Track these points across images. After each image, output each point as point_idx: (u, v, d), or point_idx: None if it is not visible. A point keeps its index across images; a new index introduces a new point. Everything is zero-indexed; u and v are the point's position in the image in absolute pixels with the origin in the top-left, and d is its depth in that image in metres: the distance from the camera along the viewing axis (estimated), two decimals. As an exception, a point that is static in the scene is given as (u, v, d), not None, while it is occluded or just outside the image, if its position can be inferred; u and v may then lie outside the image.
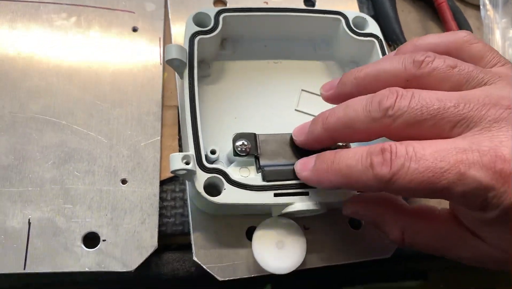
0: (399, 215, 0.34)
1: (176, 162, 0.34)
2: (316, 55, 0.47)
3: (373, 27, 0.44)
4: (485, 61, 0.33)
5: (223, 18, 0.41)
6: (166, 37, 0.45)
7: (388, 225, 0.34)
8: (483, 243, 0.30)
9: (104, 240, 0.37)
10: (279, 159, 0.39)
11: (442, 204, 0.34)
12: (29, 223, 0.37)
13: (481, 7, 0.54)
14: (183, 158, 0.34)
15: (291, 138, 0.40)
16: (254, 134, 0.39)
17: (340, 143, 0.40)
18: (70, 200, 0.38)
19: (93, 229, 0.37)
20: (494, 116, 0.27)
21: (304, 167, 0.36)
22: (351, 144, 0.40)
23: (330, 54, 0.47)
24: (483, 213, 0.27)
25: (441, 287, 0.65)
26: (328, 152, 0.34)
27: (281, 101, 0.44)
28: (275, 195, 0.37)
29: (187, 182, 0.42)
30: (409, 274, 0.56)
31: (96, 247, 0.37)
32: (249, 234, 0.40)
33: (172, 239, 0.40)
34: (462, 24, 0.54)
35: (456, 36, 0.34)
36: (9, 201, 0.37)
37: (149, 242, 0.38)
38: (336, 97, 0.37)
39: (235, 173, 0.39)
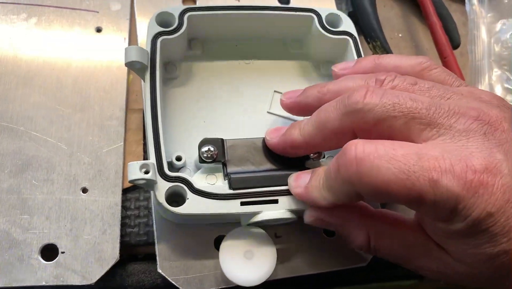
0: (365, 218, 0.33)
1: (134, 171, 0.32)
2: (289, 55, 0.45)
3: (347, 24, 0.42)
4: (446, 84, 0.33)
5: (188, 17, 0.39)
6: (132, 38, 0.43)
7: (354, 230, 0.33)
8: (448, 256, 0.29)
9: (63, 252, 0.36)
10: (248, 165, 0.37)
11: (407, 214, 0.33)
12: (-17, 236, 0.35)
13: (466, 1, 0.52)
14: (142, 166, 0.32)
15: (261, 143, 0.38)
16: (222, 139, 0.38)
17: (311, 155, 0.38)
18: (27, 210, 0.36)
19: (52, 241, 0.36)
20: (464, 126, 0.27)
21: (296, 183, 0.34)
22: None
23: (304, 54, 0.45)
24: (450, 224, 0.26)
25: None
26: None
27: (253, 104, 0.43)
28: (242, 203, 0.35)
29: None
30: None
31: (55, 260, 0.35)
32: (218, 244, 0.38)
33: (137, 249, 0.39)
34: (446, 19, 0.52)
35: (416, 61, 0.34)
36: (-38, 213, 0.35)
37: (111, 253, 0.36)
38: (296, 106, 0.37)
39: (201, 180, 0.37)
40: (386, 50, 0.46)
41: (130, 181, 0.32)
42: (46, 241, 0.36)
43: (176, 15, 0.39)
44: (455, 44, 0.52)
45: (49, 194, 0.37)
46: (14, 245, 0.35)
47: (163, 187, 0.34)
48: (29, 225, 0.36)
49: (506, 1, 0.51)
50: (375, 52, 0.47)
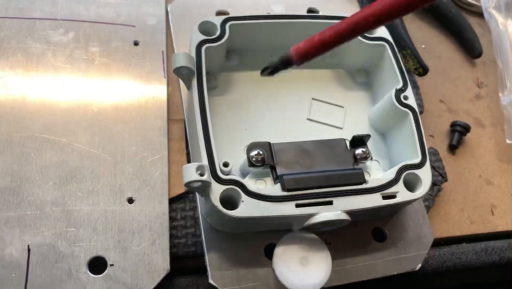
0: None
1: (190, 173, 0.31)
2: (323, 64, 0.45)
3: (382, 31, 0.43)
4: None
5: (230, 26, 0.39)
6: (169, 51, 0.43)
7: None
8: None
9: (111, 265, 0.34)
10: (296, 168, 0.37)
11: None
12: (29, 250, 0.33)
13: (484, 13, 0.54)
14: (197, 168, 0.32)
15: (308, 146, 0.38)
16: (269, 143, 0.37)
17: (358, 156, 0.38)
18: (73, 223, 0.35)
19: (99, 253, 0.34)
20: None
21: None
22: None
23: (337, 63, 0.45)
24: None
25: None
26: None
27: (292, 111, 0.42)
28: (297, 205, 0.34)
29: (198, 198, 0.39)
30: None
31: (104, 273, 0.34)
32: (268, 252, 0.37)
33: (185, 262, 0.37)
34: (467, 30, 0.53)
35: None
36: (7, 227, 0.34)
37: (161, 264, 0.35)
38: None
39: (251, 185, 0.36)
40: (416, 57, 0.47)
41: (186, 184, 0.31)
42: (94, 254, 0.34)
43: (218, 24, 0.39)
44: (477, 54, 0.53)
45: (94, 205, 0.36)
46: (61, 258, 0.33)
47: (217, 190, 0.33)
48: (75, 237, 0.34)
49: (522, 10, 0.53)
50: (405, 61, 0.48)
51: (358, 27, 0.25)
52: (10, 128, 0.37)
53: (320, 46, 0.27)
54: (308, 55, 0.28)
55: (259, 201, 0.33)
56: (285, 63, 0.30)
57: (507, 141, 0.48)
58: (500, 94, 0.50)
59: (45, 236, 0.34)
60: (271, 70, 0.31)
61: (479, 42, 0.53)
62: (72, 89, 0.39)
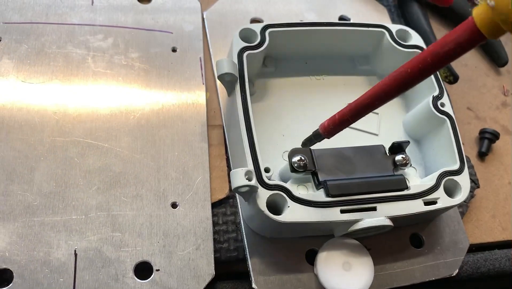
0: None
1: (239, 178, 0.32)
2: (357, 71, 0.46)
3: (416, 39, 0.43)
4: None
5: (269, 33, 0.40)
6: (206, 57, 0.44)
7: None
8: None
9: (157, 270, 0.34)
10: (338, 174, 0.37)
11: None
12: (75, 254, 0.33)
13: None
14: (246, 173, 0.32)
15: (348, 152, 0.38)
16: (310, 149, 0.37)
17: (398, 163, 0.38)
18: (118, 228, 0.35)
19: (145, 258, 0.34)
20: None
21: None
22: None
23: (370, 70, 0.46)
24: None
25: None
26: None
27: (327, 117, 0.43)
28: (342, 211, 0.34)
29: (239, 203, 0.39)
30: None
31: (150, 278, 0.34)
32: (309, 257, 0.38)
33: (227, 266, 0.37)
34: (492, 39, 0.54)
35: None
36: (53, 231, 0.34)
37: (206, 269, 0.35)
38: None
39: (293, 191, 0.36)
40: (447, 66, 0.48)
41: (234, 189, 0.32)
42: (140, 259, 0.34)
43: (258, 31, 0.39)
44: (503, 62, 0.54)
45: (139, 210, 0.36)
46: (107, 263, 0.33)
47: (263, 195, 0.33)
48: (121, 242, 0.34)
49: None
50: (435, 68, 0.48)
51: (370, 105, 0.30)
52: (53, 133, 0.37)
53: (339, 123, 0.32)
54: (332, 131, 0.33)
55: (305, 206, 0.34)
56: (317, 137, 0.35)
57: (535, 148, 0.48)
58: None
59: (91, 241, 0.34)
60: (309, 143, 0.36)
61: (505, 50, 0.53)
62: (112, 95, 0.40)
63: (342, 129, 0.32)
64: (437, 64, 0.25)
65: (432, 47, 0.25)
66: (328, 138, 0.34)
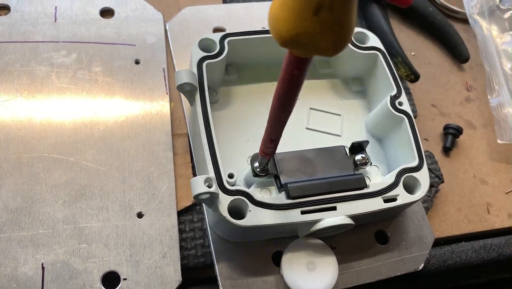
0: None
1: (198, 186, 0.32)
2: (318, 74, 0.47)
3: (374, 40, 0.44)
4: None
5: (228, 42, 0.41)
6: (169, 68, 0.45)
7: None
8: None
9: (125, 279, 0.35)
10: (299, 176, 0.38)
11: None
12: (43, 268, 0.34)
13: (469, 19, 0.56)
14: (205, 180, 0.33)
15: (310, 154, 0.39)
16: (271, 153, 0.38)
17: (358, 162, 0.39)
18: (85, 239, 0.36)
19: (112, 268, 0.35)
20: None
21: None
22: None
23: (332, 73, 0.47)
24: None
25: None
26: None
27: (291, 121, 0.42)
28: (303, 212, 0.35)
29: (205, 210, 0.40)
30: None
31: (117, 287, 0.34)
32: (276, 259, 0.38)
33: (195, 273, 0.38)
34: (453, 36, 0.55)
35: None
36: (20, 246, 0.34)
37: (173, 276, 0.36)
38: None
39: (256, 194, 0.37)
40: (407, 65, 0.49)
41: (195, 196, 0.32)
42: (107, 269, 0.35)
43: (217, 40, 0.40)
44: (464, 58, 0.55)
45: (105, 221, 0.36)
46: (75, 275, 0.34)
47: (225, 201, 0.34)
48: (88, 253, 0.35)
49: (505, 16, 0.55)
50: (396, 68, 0.49)
51: (277, 118, 0.30)
52: (18, 149, 0.38)
53: (267, 140, 0.32)
54: (266, 152, 0.33)
55: (266, 209, 0.34)
56: (262, 160, 0.36)
57: (498, 141, 0.49)
58: (489, 97, 0.52)
59: (58, 254, 0.35)
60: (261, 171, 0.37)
61: (466, 47, 0.55)
62: (77, 109, 0.40)
63: (272, 146, 0.33)
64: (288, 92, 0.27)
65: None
66: (269, 158, 0.35)
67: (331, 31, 0.20)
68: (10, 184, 0.36)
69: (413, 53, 0.55)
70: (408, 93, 0.51)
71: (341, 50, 0.21)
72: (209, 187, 0.33)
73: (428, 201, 0.45)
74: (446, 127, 0.50)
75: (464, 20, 0.58)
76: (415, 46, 0.56)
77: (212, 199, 0.34)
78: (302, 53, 0.22)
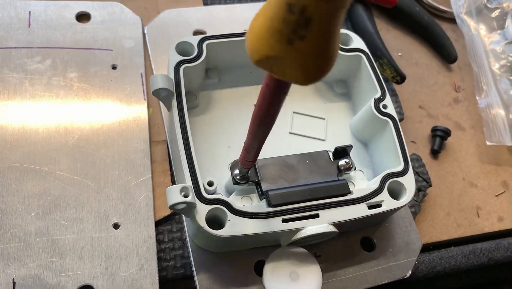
0: None
1: (174, 195, 0.31)
2: (303, 77, 0.45)
3: (357, 42, 0.43)
4: None
5: (207, 45, 0.39)
6: (148, 73, 0.43)
7: None
8: None
9: (100, 293, 0.33)
10: (281, 182, 0.37)
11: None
12: (14, 283, 0.33)
13: (456, 19, 0.55)
14: (181, 190, 0.31)
15: (292, 160, 0.38)
16: (252, 159, 0.37)
17: (342, 168, 0.38)
18: (59, 252, 0.34)
19: (87, 282, 0.34)
20: None
21: None
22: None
23: (317, 75, 0.46)
24: None
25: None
26: None
27: (274, 125, 0.42)
28: (284, 220, 0.34)
29: (185, 219, 0.39)
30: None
31: (92, 302, 0.33)
32: (258, 269, 0.37)
33: (174, 284, 0.37)
34: (441, 36, 0.54)
35: None
36: (-11, 261, 0.33)
37: (150, 289, 0.34)
38: None
39: (236, 203, 0.36)
40: (393, 66, 0.48)
41: (170, 206, 0.31)
42: (81, 283, 0.34)
43: (195, 44, 0.39)
44: (452, 59, 0.54)
45: (79, 233, 0.35)
46: (47, 290, 0.33)
47: (203, 210, 0.33)
48: (61, 267, 0.34)
49: (493, 15, 0.55)
50: (382, 70, 0.48)
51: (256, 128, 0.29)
52: (-11, 160, 0.36)
53: (245, 150, 0.31)
54: (245, 162, 0.32)
55: (246, 218, 0.33)
56: (242, 170, 0.35)
57: (487, 143, 0.48)
58: (477, 98, 0.51)
59: (30, 268, 0.33)
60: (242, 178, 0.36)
61: (454, 47, 0.54)
62: (51, 117, 0.39)
63: (251, 156, 0.32)
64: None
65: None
66: (248, 168, 0.34)
67: (305, 61, 0.19)
68: (-20, 196, 0.35)
69: (400, 54, 0.54)
70: (395, 95, 0.50)
71: (315, 81, 0.20)
72: (186, 196, 0.31)
73: (416, 206, 0.44)
74: (434, 129, 0.49)
75: (452, 20, 0.57)
76: (402, 46, 0.55)
77: (189, 209, 0.33)
78: (274, 75, 0.21)
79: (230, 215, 0.33)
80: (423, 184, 0.45)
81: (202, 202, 0.33)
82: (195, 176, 0.34)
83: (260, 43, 0.19)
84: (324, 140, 0.43)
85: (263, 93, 0.24)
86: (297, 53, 0.18)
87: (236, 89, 0.44)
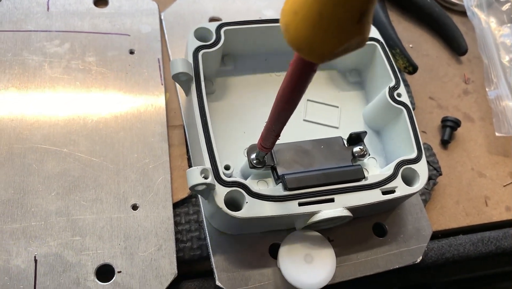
0: None
1: (194, 176, 0.32)
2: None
3: (372, 32, 0.44)
4: None
5: (224, 31, 0.40)
6: (164, 58, 0.44)
7: None
8: None
9: (119, 272, 0.34)
10: (297, 167, 0.37)
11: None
12: (35, 261, 0.33)
13: (467, 11, 0.55)
14: (202, 171, 0.32)
15: (307, 146, 0.38)
16: (268, 145, 0.38)
17: (356, 154, 0.39)
18: (79, 232, 0.35)
19: (107, 261, 0.34)
20: None
21: None
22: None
23: (330, 64, 0.46)
24: None
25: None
26: None
27: (289, 113, 0.43)
28: (300, 204, 0.35)
29: (201, 202, 0.39)
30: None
31: (112, 280, 0.34)
32: (273, 252, 0.38)
33: (191, 265, 0.38)
34: (451, 28, 0.55)
35: None
36: (12, 238, 0.34)
37: (168, 269, 0.35)
38: None
39: (253, 186, 0.37)
40: (406, 56, 0.48)
41: (191, 187, 0.32)
42: (101, 262, 0.34)
43: (213, 30, 0.40)
44: (462, 51, 0.54)
45: (99, 213, 0.36)
46: (68, 268, 0.33)
47: (221, 192, 0.33)
48: (81, 246, 0.34)
49: (503, 8, 0.55)
50: (394, 60, 0.49)
51: (280, 111, 0.29)
52: (10, 140, 0.37)
53: (265, 133, 0.31)
54: (265, 145, 0.32)
55: (263, 201, 0.34)
56: (260, 153, 0.35)
57: (496, 134, 0.49)
58: (487, 89, 0.51)
59: (51, 246, 0.34)
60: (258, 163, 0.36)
61: (464, 40, 0.54)
62: (70, 100, 0.40)
63: (271, 141, 0.32)
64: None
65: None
66: (266, 152, 0.34)
67: (366, 31, 0.19)
68: (1, 175, 0.36)
69: (411, 45, 0.55)
70: (406, 85, 0.51)
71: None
72: (205, 178, 0.32)
73: (426, 194, 0.45)
74: (444, 120, 0.49)
75: (463, 13, 0.57)
76: (413, 38, 0.55)
77: (208, 191, 0.33)
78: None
79: (248, 198, 0.34)
80: (434, 172, 0.46)
81: (221, 184, 0.34)
82: (214, 159, 0.34)
83: (328, 40, 0.19)
84: (337, 128, 0.43)
85: (292, 72, 0.25)
86: (364, 29, 0.18)
87: (251, 76, 0.44)
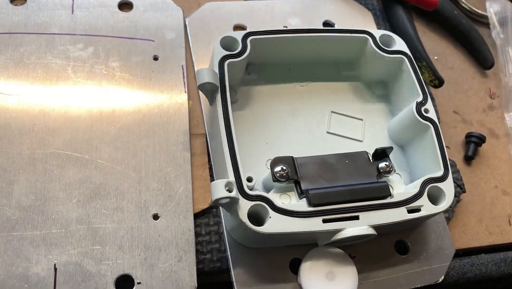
0: None
1: (219, 190, 0.31)
2: (341, 77, 0.45)
3: (400, 44, 0.43)
4: None
5: (251, 41, 0.39)
6: (188, 65, 0.43)
7: None
8: None
9: (139, 283, 0.34)
10: (320, 182, 0.37)
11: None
12: (55, 269, 0.33)
13: (491, 27, 0.54)
14: (226, 185, 0.32)
15: (331, 160, 0.38)
16: (292, 157, 0.37)
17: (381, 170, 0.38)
18: (99, 241, 0.34)
19: (126, 271, 0.34)
20: None
21: None
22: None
23: (355, 75, 0.45)
24: None
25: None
26: None
27: (311, 124, 0.43)
28: (324, 221, 0.34)
29: (222, 213, 0.39)
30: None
31: (131, 291, 0.33)
32: (293, 267, 0.37)
33: (211, 277, 0.37)
34: (478, 41, 0.54)
35: None
36: (32, 246, 0.33)
37: (188, 281, 0.35)
38: None
39: (276, 200, 0.36)
40: (432, 70, 0.48)
41: (215, 201, 0.31)
42: (120, 272, 0.34)
43: (239, 39, 0.39)
44: (489, 65, 0.53)
45: (120, 222, 0.35)
46: (88, 277, 0.33)
47: (245, 206, 0.33)
48: (101, 255, 0.34)
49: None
50: (421, 72, 0.48)
51: None
52: (32, 145, 0.37)
53: None
54: None
55: (287, 216, 0.33)
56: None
57: (521, 152, 0.48)
58: (505, 115, 0.50)
59: (71, 255, 0.34)
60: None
61: (491, 53, 0.53)
62: (93, 105, 0.39)
63: None
64: None
65: None
66: None
67: None
68: (23, 181, 0.35)
69: (436, 57, 0.54)
70: (432, 99, 0.50)
71: None
72: (230, 191, 0.32)
73: (450, 211, 0.44)
74: (469, 136, 0.48)
75: (490, 25, 0.56)
76: (438, 50, 0.54)
77: (231, 204, 0.33)
78: None
79: (271, 212, 0.33)
80: (457, 189, 0.45)
81: (244, 198, 0.33)
82: (238, 172, 0.34)
83: None
84: (361, 141, 0.42)
85: None
86: None
87: (275, 86, 0.44)
